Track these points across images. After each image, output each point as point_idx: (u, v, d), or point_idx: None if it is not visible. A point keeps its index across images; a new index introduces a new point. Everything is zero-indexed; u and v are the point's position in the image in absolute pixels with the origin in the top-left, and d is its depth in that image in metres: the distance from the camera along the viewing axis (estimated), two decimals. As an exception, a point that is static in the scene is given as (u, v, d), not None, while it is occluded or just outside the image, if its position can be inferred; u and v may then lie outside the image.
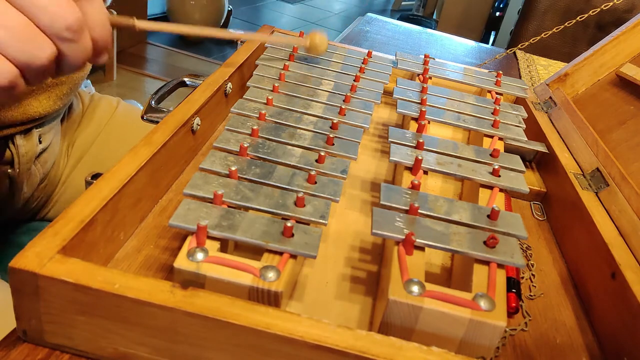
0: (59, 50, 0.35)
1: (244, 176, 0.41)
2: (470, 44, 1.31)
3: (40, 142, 0.66)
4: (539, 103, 0.70)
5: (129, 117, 0.82)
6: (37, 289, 0.30)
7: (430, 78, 0.66)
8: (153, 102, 0.63)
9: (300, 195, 0.38)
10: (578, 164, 0.56)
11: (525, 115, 0.60)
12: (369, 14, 1.37)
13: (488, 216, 0.40)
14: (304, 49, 0.65)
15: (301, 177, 0.42)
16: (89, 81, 1.23)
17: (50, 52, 0.35)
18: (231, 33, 0.62)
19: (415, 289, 0.32)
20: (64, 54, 0.36)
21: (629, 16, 0.97)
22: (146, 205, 0.44)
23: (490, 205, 0.43)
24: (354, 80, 0.61)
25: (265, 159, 0.44)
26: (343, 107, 0.53)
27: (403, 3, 4.53)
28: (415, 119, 0.55)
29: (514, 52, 1.21)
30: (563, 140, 0.61)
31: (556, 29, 0.88)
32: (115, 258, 0.39)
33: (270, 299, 0.32)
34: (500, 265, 0.36)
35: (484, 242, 0.37)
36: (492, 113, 0.58)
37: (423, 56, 0.71)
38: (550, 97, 0.69)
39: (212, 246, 0.34)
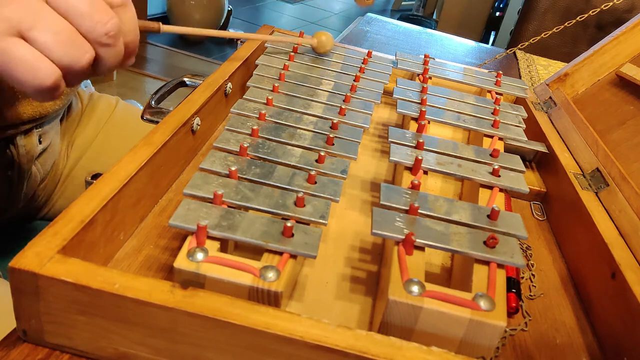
0: (97, 54, 0.38)
1: (244, 176, 0.41)
2: (470, 44, 1.31)
3: (40, 142, 0.66)
4: (539, 103, 0.70)
5: (128, 116, 0.82)
6: (37, 289, 0.30)
7: (430, 78, 0.66)
8: (153, 102, 0.63)
9: (300, 195, 0.38)
10: (578, 164, 0.56)
11: (525, 115, 0.60)
12: (369, 14, 1.37)
13: (488, 216, 0.40)
14: (310, 47, 0.66)
15: (301, 177, 0.42)
16: (88, 81, 1.23)
17: (90, 55, 0.37)
18: (248, 35, 0.67)
19: (415, 289, 0.32)
20: (101, 58, 0.38)
21: (629, 16, 0.97)
22: (146, 205, 0.44)
23: (490, 205, 0.43)
24: (354, 80, 0.61)
25: (265, 159, 0.44)
26: (343, 107, 0.53)
27: (403, 3, 4.53)
28: (415, 119, 0.55)
29: (514, 52, 1.21)
30: (563, 140, 0.61)
31: (556, 29, 0.88)
32: (115, 258, 0.39)
33: (270, 299, 0.32)
34: (500, 265, 0.36)
35: (484, 242, 0.37)
36: (492, 113, 0.58)
37: (423, 56, 0.71)
38: (550, 97, 0.69)
39: (212, 246, 0.34)
